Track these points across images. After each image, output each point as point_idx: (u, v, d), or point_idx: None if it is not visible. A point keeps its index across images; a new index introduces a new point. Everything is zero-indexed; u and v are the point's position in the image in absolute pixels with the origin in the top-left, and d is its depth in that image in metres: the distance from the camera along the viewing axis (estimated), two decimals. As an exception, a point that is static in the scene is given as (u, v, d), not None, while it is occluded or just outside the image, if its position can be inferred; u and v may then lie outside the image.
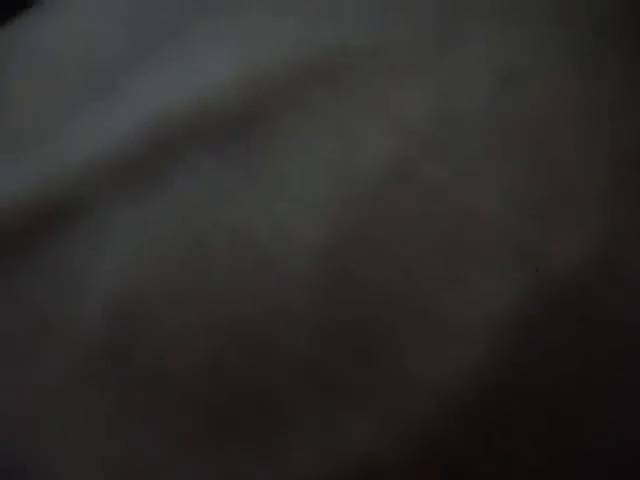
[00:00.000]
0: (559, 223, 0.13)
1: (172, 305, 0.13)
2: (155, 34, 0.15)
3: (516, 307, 0.13)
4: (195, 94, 0.14)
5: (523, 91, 0.14)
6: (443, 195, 0.13)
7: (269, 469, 0.13)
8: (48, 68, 0.15)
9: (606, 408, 0.13)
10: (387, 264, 0.13)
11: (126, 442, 0.13)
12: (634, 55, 0.14)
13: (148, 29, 0.15)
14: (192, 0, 0.15)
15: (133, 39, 0.15)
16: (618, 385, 0.13)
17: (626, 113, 0.14)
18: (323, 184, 0.13)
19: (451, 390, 0.13)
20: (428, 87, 0.14)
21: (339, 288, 0.13)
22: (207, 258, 0.13)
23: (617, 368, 0.13)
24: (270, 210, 0.13)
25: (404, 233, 0.13)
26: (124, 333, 0.13)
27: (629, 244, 0.14)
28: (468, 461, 0.13)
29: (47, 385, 0.13)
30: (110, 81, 0.14)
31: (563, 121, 0.14)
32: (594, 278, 0.13)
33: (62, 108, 0.14)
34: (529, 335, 0.13)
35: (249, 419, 0.13)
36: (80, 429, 0.13)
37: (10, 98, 0.15)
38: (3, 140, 0.14)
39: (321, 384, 0.13)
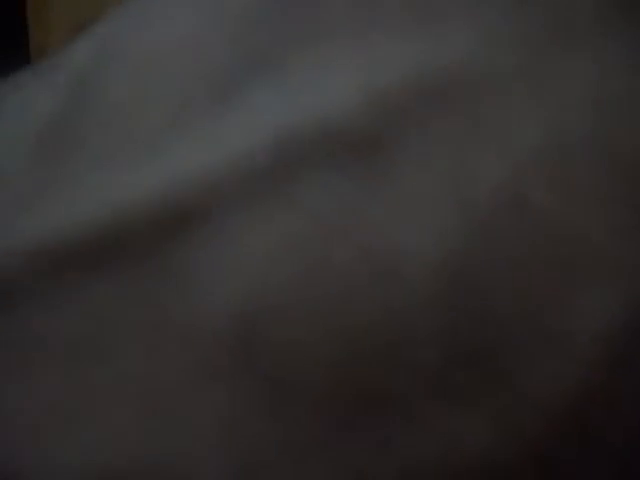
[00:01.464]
0: None
1: (296, 312, 0.14)
2: (266, 51, 0.15)
3: (625, 328, 0.14)
4: (318, 112, 0.14)
5: (622, 119, 0.14)
6: (553, 221, 0.14)
7: (388, 464, 0.14)
8: (155, 72, 0.15)
9: None
10: (499, 282, 0.14)
11: (252, 441, 0.13)
12: None
13: (257, 46, 0.15)
14: (299, 22, 0.15)
15: (242, 54, 0.15)
16: None
17: None
18: (441, 205, 0.14)
19: (556, 401, 0.14)
20: (538, 113, 0.14)
21: (457, 301, 0.14)
22: (332, 270, 0.14)
23: None
24: (393, 227, 0.14)
25: (515, 254, 0.14)
26: (249, 334, 0.14)
27: None
28: (566, 461, 0.14)
29: (172, 384, 0.13)
30: (223, 93, 0.15)
31: None
32: None
33: (178, 114, 0.15)
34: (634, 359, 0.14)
35: (371, 418, 0.14)
36: (206, 428, 0.13)
37: (121, 102, 0.15)
38: (121, 145, 0.14)
39: (438, 387, 0.14)
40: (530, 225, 0.14)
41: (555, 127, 0.14)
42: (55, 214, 0.14)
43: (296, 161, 0.14)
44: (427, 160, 0.14)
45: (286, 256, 0.14)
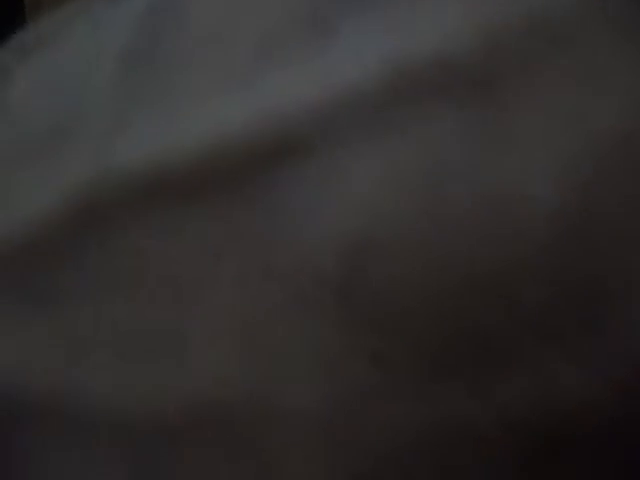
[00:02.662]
0: None
1: (404, 246, 0.13)
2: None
3: None
4: (431, 43, 0.14)
5: None
6: None
7: (486, 408, 0.13)
8: (241, 2, 0.14)
9: None
10: (610, 232, 0.13)
11: (349, 380, 0.13)
12: None
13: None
14: None
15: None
16: None
17: None
18: (560, 148, 0.13)
19: None
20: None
21: (568, 248, 0.13)
22: (443, 205, 0.13)
23: None
24: (506, 165, 0.13)
25: (628, 201, 0.13)
26: (354, 270, 0.13)
27: None
28: None
29: (271, 320, 0.13)
30: (319, 24, 0.14)
31: None
32: None
33: (272, 45, 0.14)
34: None
35: (470, 360, 0.13)
36: (304, 365, 0.13)
37: (205, 32, 0.14)
38: (211, 74, 0.14)
39: (538, 333, 0.13)
40: None
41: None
42: (147, 144, 0.14)
43: (410, 92, 0.14)
44: (542, 102, 0.13)
45: (397, 191, 0.13)
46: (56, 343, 0.13)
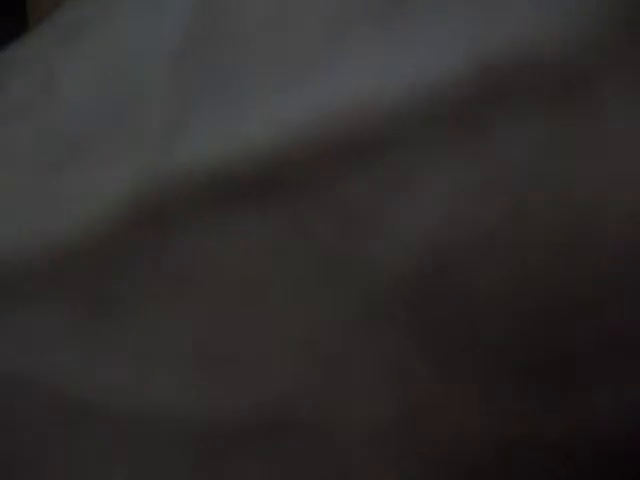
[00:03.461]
0: None
1: (483, 255, 0.13)
2: None
3: None
4: (519, 39, 0.13)
5: None
6: None
7: (552, 424, 0.13)
8: None
9: None
10: None
11: (417, 388, 0.13)
12: None
13: None
14: None
15: None
16: None
17: None
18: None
19: None
20: None
21: None
22: (525, 213, 0.13)
23: None
24: (595, 174, 0.13)
25: None
26: (429, 277, 0.13)
27: None
28: None
29: (339, 323, 0.13)
30: (385, 15, 0.13)
31: None
32: None
33: (338, 34, 0.13)
34: None
35: (545, 374, 0.13)
36: (372, 371, 0.13)
37: (264, 18, 0.14)
38: (288, 67, 0.13)
39: (623, 351, 0.13)
40: None
41: None
42: (209, 141, 0.13)
43: (496, 92, 0.13)
44: (637, 112, 0.13)
45: (476, 196, 0.13)
46: (118, 346, 0.13)
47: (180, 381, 0.13)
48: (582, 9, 0.13)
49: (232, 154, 0.13)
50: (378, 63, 0.13)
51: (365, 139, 0.13)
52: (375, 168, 0.13)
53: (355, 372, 0.13)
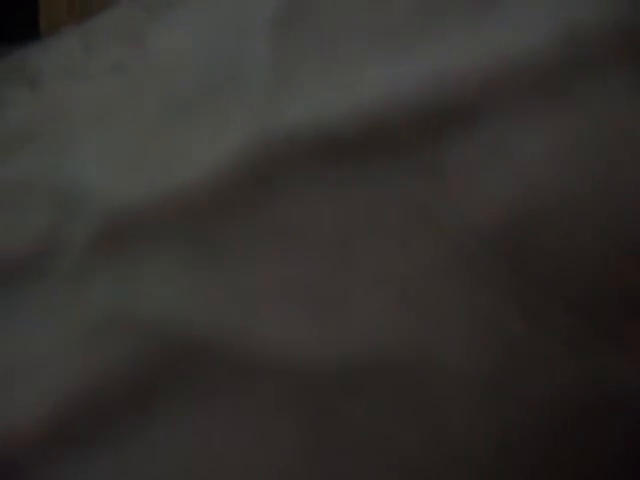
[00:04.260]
0: None
1: (575, 219, 0.13)
2: None
3: None
4: (604, 9, 0.13)
5: None
6: None
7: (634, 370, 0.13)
8: None
9: None
10: None
11: (509, 345, 0.13)
12: None
13: None
14: None
15: None
16: None
17: None
18: None
19: None
20: None
21: None
22: (619, 177, 0.13)
23: None
24: None
25: None
26: (517, 240, 0.13)
27: None
28: None
29: (431, 282, 0.13)
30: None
31: None
32: None
33: (441, 9, 0.14)
34: None
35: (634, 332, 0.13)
36: (464, 326, 0.13)
37: None
38: (386, 39, 0.14)
39: None
40: None
41: None
42: (312, 105, 0.14)
43: (586, 61, 0.13)
44: None
45: (570, 162, 0.13)
46: (226, 287, 0.13)
47: (289, 323, 0.13)
48: None
49: (335, 116, 0.13)
50: (473, 35, 0.14)
51: (460, 107, 0.13)
52: (471, 135, 0.13)
53: (453, 323, 0.13)
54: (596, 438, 0.13)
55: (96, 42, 0.15)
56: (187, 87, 0.14)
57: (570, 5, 0.13)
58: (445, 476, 0.13)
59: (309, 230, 0.13)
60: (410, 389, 0.13)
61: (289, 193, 0.13)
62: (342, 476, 0.13)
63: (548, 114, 0.13)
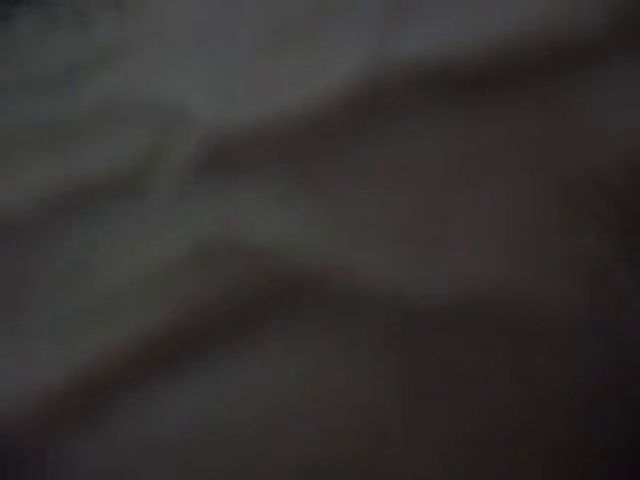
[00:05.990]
0: None
1: None
2: None
3: None
4: None
5: None
6: None
7: None
8: None
9: None
10: None
11: (612, 289, 0.13)
12: None
13: None
14: None
15: None
16: None
17: None
18: None
19: None
20: None
21: None
22: None
23: None
24: None
25: None
26: (637, 189, 0.13)
27: None
28: None
29: (541, 222, 0.13)
30: None
31: None
32: None
33: None
34: None
35: None
36: (569, 270, 0.13)
37: None
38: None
39: None
40: None
41: None
42: (430, 35, 0.14)
43: None
44: None
45: None
46: (326, 220, 0.13)
47: (391, 258, 0.13)
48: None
49: (454, 50, 0.14)
50: None
51: (584, 45, 0.13)
52: (594, 74, 0.13)
53: (557, 265, 0.13)
54: None
55: None
56: (291, 12, 0.14)
57: None
58: (528, 417, 0.13)
59: (419, 165, 0.13)
60: (507, 330, 0.13)
61: (401, 125, 0.13)
62: (437, 416, 0.13)
63: None
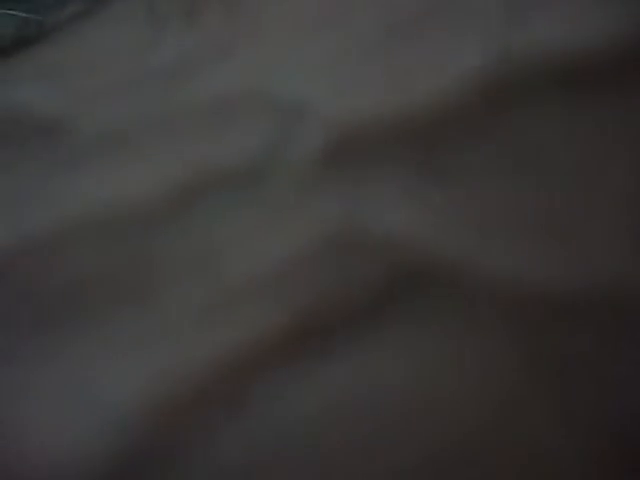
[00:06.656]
0: None
1: None
2: None
3: None
4: None
5: None
6: None
7: None
8: None
9: None
10: None
11: None
12: None
13: None
14: None
15: None
16: None
17: None
18: None
19: None
20: None
21: None
22: None
23: None
24: None
25: None
26: None
27: None
28: None
29: None
30: None
31: None
32: None
33: None
34: None
35: None
36: None
37: None
38: None
39: None
40: None
41: None
42: (546, 35, 0.14)
43: None
44: None
45: None
46: (452, 213, 0.13)
47: (514, 248, 0.13)
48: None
49: (574, 51, 0.14)
50: None
51: None
52: None
53: None
54: None
55: None
56: (406, 7, 0.14)
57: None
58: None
59: (542, 158, 0.13)
60: (618, 327, 0.13)
61: (525, 120, 0.13)
62: (551, 406, 0.13)
63: None
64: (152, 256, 0.13)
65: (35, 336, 0.13)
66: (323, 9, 0.15)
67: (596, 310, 0.13)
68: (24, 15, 0.17)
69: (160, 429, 0.12)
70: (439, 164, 0.13)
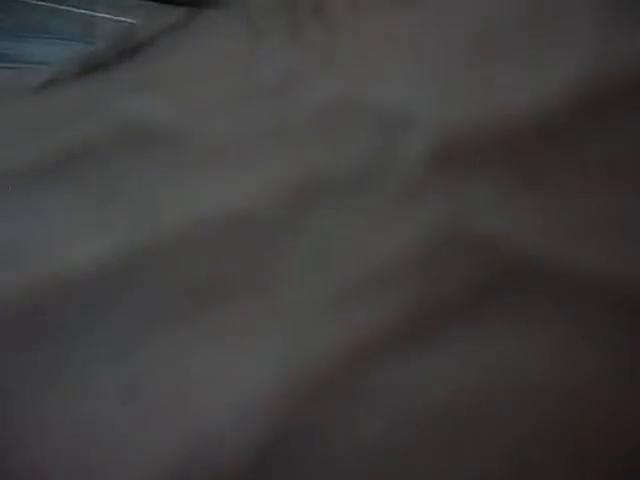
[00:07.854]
0: None
1: None
2: None
3: None
4: None
5: None
6: None
7: None
8: None
9: None
10: None
11: None
12: None
13: None
14: None
15: None
16: None
17: None
18: None
19: None
20: None
21: None
22: None
23: None
24: None
25: None
26: None
27: None
28: None
29: None
30: None
31: None
32: None
33: None
34: None
35: None
36: None
37: None
38: None
39: None
40: None
41: None
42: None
43: None
44: None
45: None
46: (548, 216, 0.14)
47: (614, 250, 0.13)
48: None
49: None
50: None
51: None
52: None
53: None
54: None
55: None
56: (501, 19, 0.15)
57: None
58: None
59: (636, 166, 0.14)
60: None
61: (617, 130, 0.14)
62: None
63: None
64: (270, 256, 0.14)
65: (173, 330, 0.14)
66: (419, 23, 0.15)
67: None
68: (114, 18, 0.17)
69: (297, 414, 0.13)
70: (536, 169, 0.14)
